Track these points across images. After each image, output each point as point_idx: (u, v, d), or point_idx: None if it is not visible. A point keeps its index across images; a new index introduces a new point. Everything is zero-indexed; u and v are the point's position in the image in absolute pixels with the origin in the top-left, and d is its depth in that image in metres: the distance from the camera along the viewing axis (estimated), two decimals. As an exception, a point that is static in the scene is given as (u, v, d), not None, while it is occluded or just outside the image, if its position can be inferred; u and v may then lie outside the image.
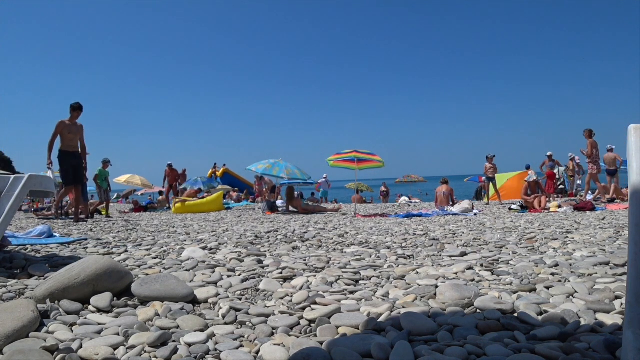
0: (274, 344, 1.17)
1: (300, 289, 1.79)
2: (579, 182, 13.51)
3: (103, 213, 10.53)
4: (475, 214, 7.00)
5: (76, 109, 6.74)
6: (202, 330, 1.29)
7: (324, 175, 18.36)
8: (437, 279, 1.89)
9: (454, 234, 3.67)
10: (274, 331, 1.29)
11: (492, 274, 2.01)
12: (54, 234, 3.94)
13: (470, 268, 2.12)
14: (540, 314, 1.38)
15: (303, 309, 1.50)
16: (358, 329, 1.28)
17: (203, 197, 11.72)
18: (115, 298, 1.61)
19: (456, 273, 2.01)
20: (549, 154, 13.61)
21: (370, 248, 2.93)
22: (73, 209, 10.49)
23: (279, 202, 10.06)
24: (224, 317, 1.42)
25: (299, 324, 1.36)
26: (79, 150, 6.85)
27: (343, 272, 2.09)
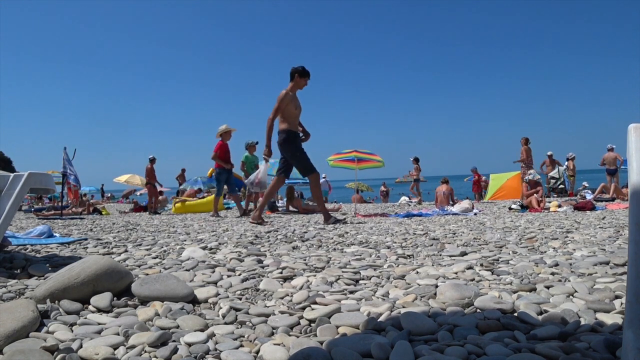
0: (274, 344, 1.17)
1: (300, 288, 1.79)
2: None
3: (104, 213, 10.53)
4: (475, 214, 7.00)
5: (304, 74, 5.15)
6: (202, 330, 1.29)
7: (323, 175, 18.36)
8: (437, 279, 1.89)
9: (454, 234, 3.67)
10: (274, 331, 1.29)
11: (492, 273, 2.01)
12: (54, 234, 3.94)
13: (470, 268, 2.12)
14: (540, 313, 1.38)
15: (303, 308, 1.50)
16: (358, 328, 1.28)
17: (203, 197, 11.73)
18: (115, 298, 1.61)
19: (456, 273, 2.01)
20: (549, 153, 13.62)
21: (370, 248, 2.93)
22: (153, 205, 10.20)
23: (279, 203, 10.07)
24: (224, 317, 1.42)
25: (299, 323, 1.36)
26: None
27: (343, 271, 2.09)
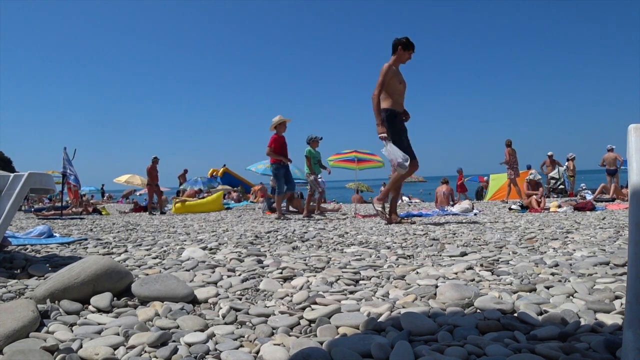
0: (274, 344, 1.17)
1: (300, 289, 1.79)
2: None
3: (104, 213, 10.53)
4: (475, 214, 7.00)
5: (408, 47, 4.70)
6: (202, 330, 1.29)
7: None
8: (437, 279, 1.89)
9: (454, 234, 3.67)
10: (274, 331, 1.29)
11: (492, 274, 2.01)
12: (54, 234, 3.94)
13: (470, 268, 2.12)
14: (540, 314, 1.38)
15: (303, 309, 1.50)
16: (358, 329, 1.28)
17: (203, 197, 11.73)
18: (115, 298, 1.61)
19: (456, 273, 2.01)
20: (549, 153, 13.62)
21: (370, 248, 2.93)
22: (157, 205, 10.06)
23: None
24: (224, 317, 1.42)
25: (299, 324, 1.36)
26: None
27: (343, 272, 2.09)
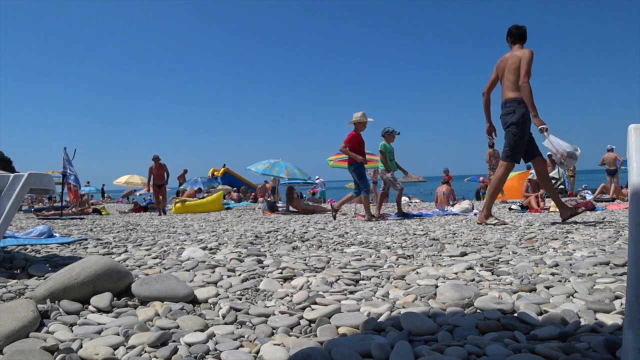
0: (274, 344, 1.17)
1: (300, 289, 1.79)
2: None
3: (104, 213, 10.53)
4: (475, 214, 7.00)
5: (519, 36, 4.33)
6: (202, 330, 1.29)
7: (317, 177, 18.45)
8: (437, 279, 1.89)
9: (454, 234, 3.67)
10: (274, 331, 1.29)
11: (492, 274, 2.01)
12: (54, 234, 3.94)
13: (470, 268, 2.12)
14: (540, 314, 1.38)
15: (303, 309, 1.50)
16: (358, 329, 1.28)
17: (203, 197, 11.73)
18: (115, 298, 1.61)
19: (456, 273, 2.01)
20: (549, 153, 13.66)
21: (370, 248, 2.93)
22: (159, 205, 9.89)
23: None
24: (224, 317, 1.42)
25: (299, 324, 1.36)
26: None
27: (343, 272, 2.09)
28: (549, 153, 14.14)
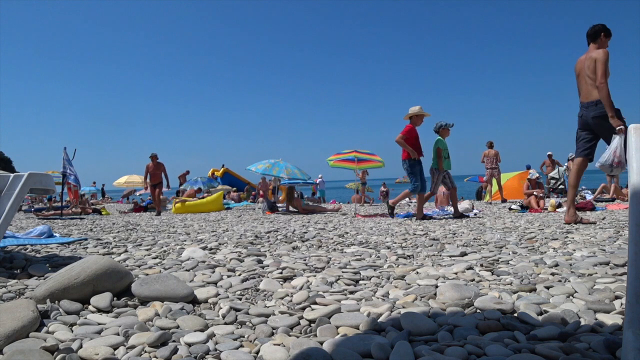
0: (274, 344, 1.17)
1: (300, 289, 1.79)
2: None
3: (104, 213, 10.53)
4: (475, 214, 7.00)
5: (610, 34, 4.23)
6: (202, 330, 1.29)
7: (320, 176, 18.44)
8: (437, 279, 1.89)
9: (454, 234, 3.67)
10: (274, 331, 1.29)
11: (492, 274, 2.01)
12: (54, 234, 3.94)
13: (470, 268, 2.12)
14: (540, 314, 1.38)
15: (303, 309, 1.50)
16: (358, 329, 1.28)
17: (203, 197, 11.73)
18: (115, 298, 1.61)
19: (456, 273, 2.01)
20: (549, 153, 13.63)
21: (370, 248, 2.93)
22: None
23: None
24: (224, 317, 1.42)
25: (299, 324, 1.36)
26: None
27: (343, 272, 2.09)
28: (549, 153, 13.94)
